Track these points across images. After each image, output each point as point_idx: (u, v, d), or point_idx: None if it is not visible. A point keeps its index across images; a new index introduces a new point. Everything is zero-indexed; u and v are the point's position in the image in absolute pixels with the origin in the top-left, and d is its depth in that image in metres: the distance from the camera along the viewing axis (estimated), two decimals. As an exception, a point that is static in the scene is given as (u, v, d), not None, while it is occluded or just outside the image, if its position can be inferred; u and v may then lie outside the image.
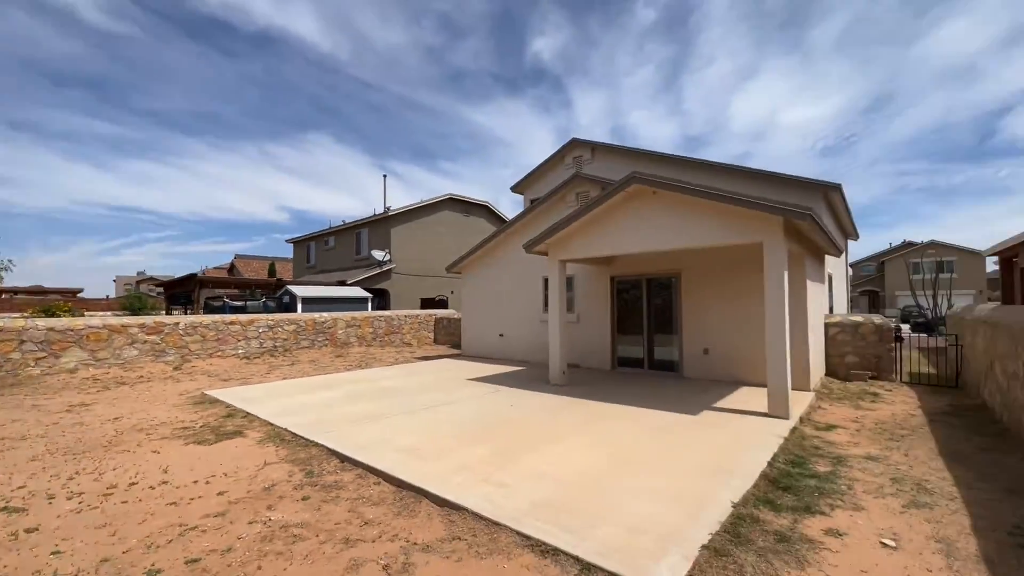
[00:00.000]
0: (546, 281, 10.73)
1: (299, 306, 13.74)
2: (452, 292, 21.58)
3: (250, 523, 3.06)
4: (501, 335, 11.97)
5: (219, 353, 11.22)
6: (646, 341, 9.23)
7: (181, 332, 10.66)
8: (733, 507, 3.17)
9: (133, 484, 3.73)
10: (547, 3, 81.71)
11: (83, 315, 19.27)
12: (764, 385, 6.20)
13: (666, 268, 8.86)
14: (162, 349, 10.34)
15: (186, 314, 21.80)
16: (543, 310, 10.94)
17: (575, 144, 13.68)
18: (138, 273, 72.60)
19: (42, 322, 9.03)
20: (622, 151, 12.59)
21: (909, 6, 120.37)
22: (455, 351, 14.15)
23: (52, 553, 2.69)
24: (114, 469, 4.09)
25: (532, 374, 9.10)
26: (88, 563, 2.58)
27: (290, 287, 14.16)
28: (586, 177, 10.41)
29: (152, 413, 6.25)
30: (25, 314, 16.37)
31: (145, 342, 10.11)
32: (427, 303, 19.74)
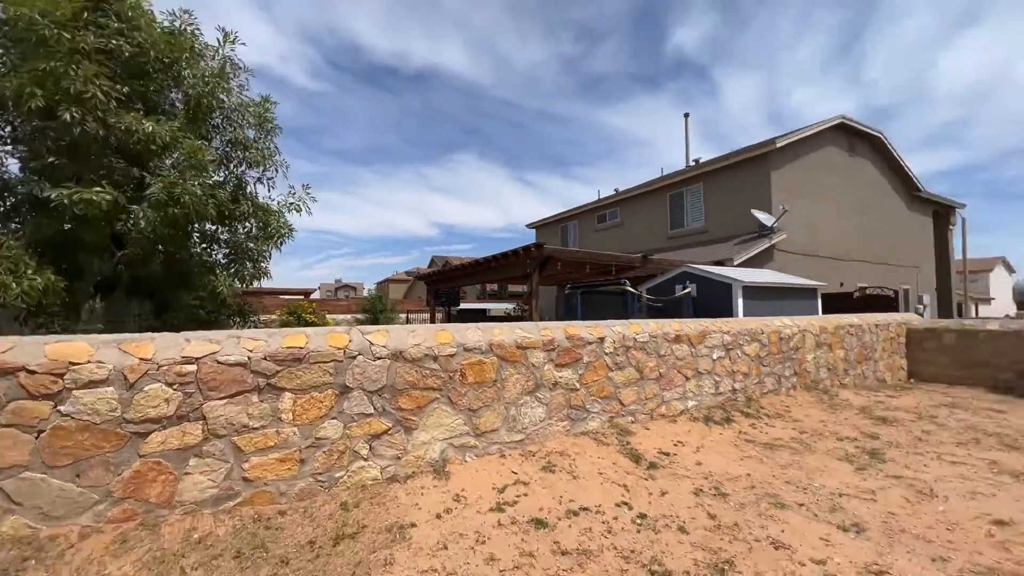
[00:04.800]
0: None
1: (739, 302, 7.02)
2: (904, 285, 12.65)
3: None
4: None
5: (663, 409, 4.93)
6: None
7: (607, 362, 4.57)
8: None
9: None
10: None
11: (328, 321, 16.05)
12: None
13: None
14: (580, 402, 4.32)
15: (448, 314, 17.29)
16: None
17: None
18: (336, 281, 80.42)
19: (378, 338, 3.54)
20: None
21: None
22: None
23: None
24: None
25: None
26: None
27: (695, 267, 7.41)
28: None
29: None
30: (280, 315, 13.18)
31: (555, 384, 4.18)
32: (836, 301, 10.86)
